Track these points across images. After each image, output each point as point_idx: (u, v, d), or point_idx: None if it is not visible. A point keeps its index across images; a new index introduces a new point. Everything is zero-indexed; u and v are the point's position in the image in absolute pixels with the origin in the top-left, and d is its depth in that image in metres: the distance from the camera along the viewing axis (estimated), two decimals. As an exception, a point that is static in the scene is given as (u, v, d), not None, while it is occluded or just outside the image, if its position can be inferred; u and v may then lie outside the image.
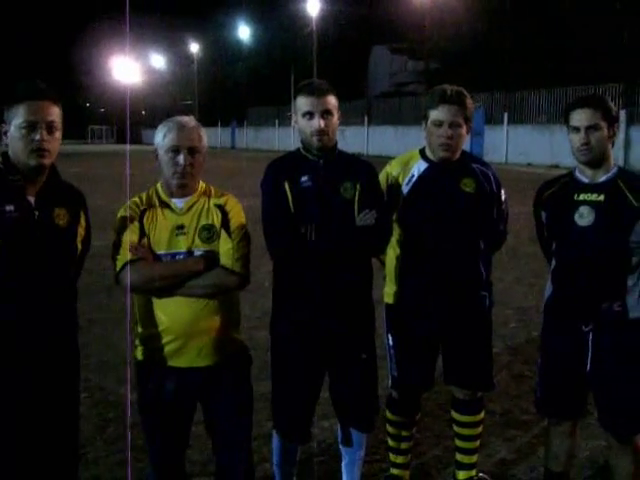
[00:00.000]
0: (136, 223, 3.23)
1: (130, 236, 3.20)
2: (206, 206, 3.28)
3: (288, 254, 3.51)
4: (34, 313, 2.96)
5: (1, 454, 2.96)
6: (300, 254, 3.45)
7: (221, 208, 3.29)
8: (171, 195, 3.27)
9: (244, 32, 63.84)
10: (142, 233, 3.22)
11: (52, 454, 3.08)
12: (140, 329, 3.34)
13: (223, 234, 3.25)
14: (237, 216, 3.31)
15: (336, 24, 51.87)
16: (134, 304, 3.37)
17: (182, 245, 3.22)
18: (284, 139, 51.40)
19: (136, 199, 3.32)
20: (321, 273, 3.44)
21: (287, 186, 3.48)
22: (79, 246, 3.15)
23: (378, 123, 43.82)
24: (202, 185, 3.35)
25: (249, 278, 3.31)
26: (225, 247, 3.23)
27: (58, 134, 3.00)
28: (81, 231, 3.14)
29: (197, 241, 3.22)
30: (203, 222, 3.25)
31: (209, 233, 3.24)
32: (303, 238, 3.42)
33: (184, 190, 3.26)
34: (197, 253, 3.22)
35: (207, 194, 3.33)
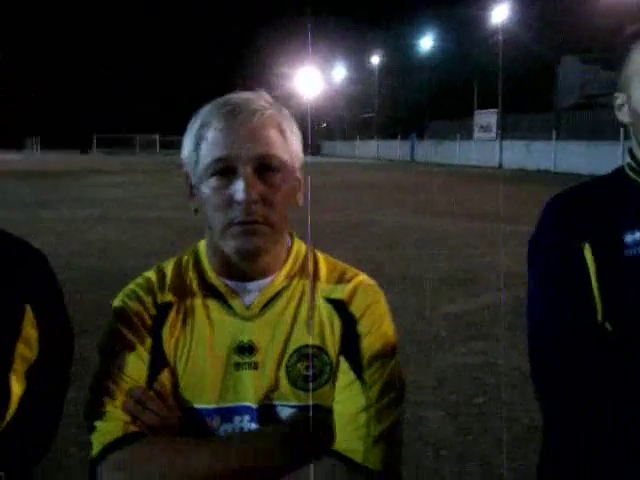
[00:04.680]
0: (145, 335, 1.52)
1: (131, 367, 1.50)
2: (307, 301, 1.55)
3: (586, 402, 1.52)
4: None
5: None
6: (615, 403, 1.51)
7: (341, 308, 1.54)
8: (227, 274, 1.56)
9: (426, 43, 62.71)
10: (159, 359, 1.51)
11: None
12: None
13: (345, 372, 1.50)
14: (378, 331, 1.54)
15: (523, 33, 49.45)
16: None
17: (249, 392, 1.50)
18: (465, 153, 49.63)
19: (150, 275, 1.60)
20: None
21: (589, 253, 1.59)
22: (14, 390, 1.42)
23: (567, 138, 40.91)
24: (298, 248, 1.62)
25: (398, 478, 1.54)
26: (350, 406, 1.48)
27: None
28: (24, 351, 1.46)
29: (283, 383, 1.51)
30: (298, 341, 1.52)
31: (313, 366, 1.51)
32: (624, 369, 1.52)
33: (254, 264, 1.52)
34: (283, 412, 1.51)
35: (308, 271, 1.58)
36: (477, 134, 50.69)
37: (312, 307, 1.55)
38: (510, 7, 47.28)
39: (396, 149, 62.07)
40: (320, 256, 1.64)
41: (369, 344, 1.51)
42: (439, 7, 61.36)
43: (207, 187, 1.48)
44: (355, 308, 1.54)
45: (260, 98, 1.53)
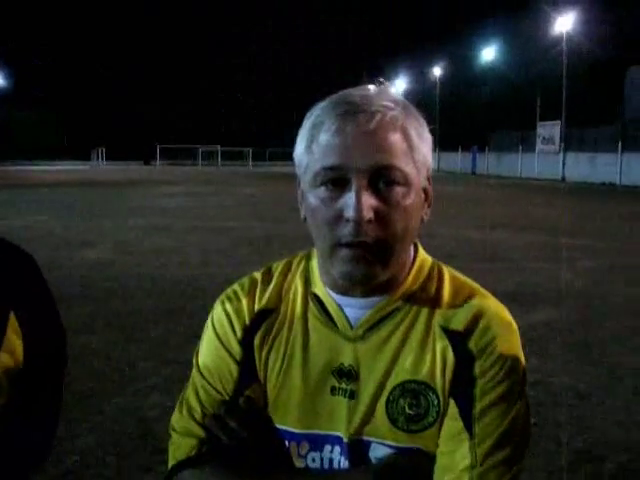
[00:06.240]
0: (235, 346, 1.36)
1: (217, 379, 1.36)
2: (420, 328, 1.31)
3: None
4: None
5: None
6: None
7: (457, 342, 1.28)
8: (335, 287, 1.33)
9: (488, 54, 62.10)
10: (248, 373, 1.36)
11: None
12: None
13: (453, 419, 1.26)
14: (499, 374, 1.26)
15: (587, 43, 48.58)
16: None
17: (341, 421, 1.31)
18: (527, 166, 48.96)
19: (257, 276, 1.43)
20: None
21: None
22: None
23: (633, 150, 39.95)
24: (421, 263, 1.37)
25: None
26: (453, 462, 1.24)
27: None
28: (8, 361, 1.34)
29: (380, 419, 1.29)
30: (403, 373, 1.29)
31: (417, 405, 1.28)
32: None
33: (365, 283, 1.28)
34: (377, 451, 1.29)
35: (429, 295, 1.33)
36: (540, 146, 49.90)
37: (425, 335, 1.30)
38: (575, 17, 46.53)
39: (457, 161, 61.55)
40: (446, 273, 1.37)
41: (485, 390, 1.24)
42: (501, 18, 60.74)
43: (315, 197, 1.25)
44: (474, 343, 1.27)
45: (384, 96, 1.25)
